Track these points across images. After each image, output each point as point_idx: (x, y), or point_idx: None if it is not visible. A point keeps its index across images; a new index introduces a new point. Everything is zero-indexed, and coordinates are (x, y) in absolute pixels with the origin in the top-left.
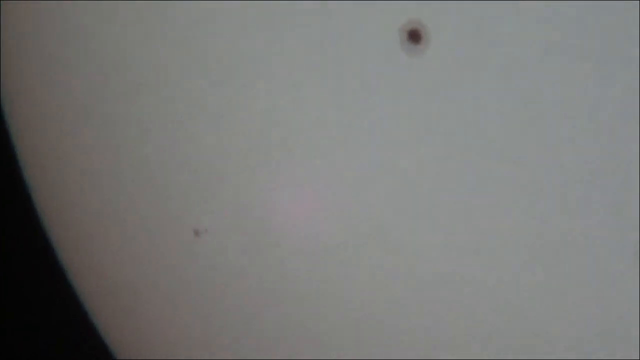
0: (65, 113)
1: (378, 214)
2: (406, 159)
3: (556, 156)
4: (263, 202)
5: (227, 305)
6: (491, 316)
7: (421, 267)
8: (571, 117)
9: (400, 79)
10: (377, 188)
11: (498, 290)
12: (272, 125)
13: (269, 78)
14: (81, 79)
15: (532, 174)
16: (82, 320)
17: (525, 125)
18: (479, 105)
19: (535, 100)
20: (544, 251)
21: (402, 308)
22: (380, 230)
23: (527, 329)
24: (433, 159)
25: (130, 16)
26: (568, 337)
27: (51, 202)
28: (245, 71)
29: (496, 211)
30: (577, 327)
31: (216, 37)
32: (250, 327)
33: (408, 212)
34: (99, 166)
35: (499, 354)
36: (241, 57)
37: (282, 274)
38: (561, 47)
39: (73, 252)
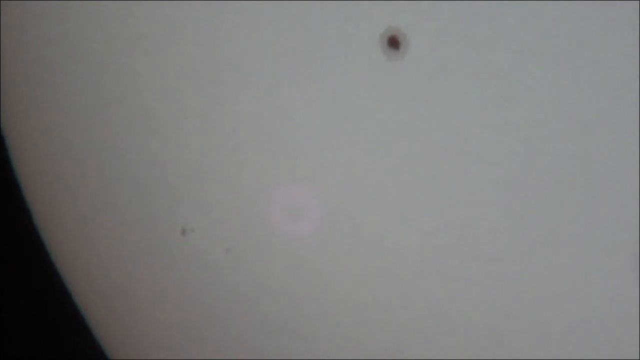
0: (54, 113)
1: (362, 213)
2: (387, 160)
3: (536, 157)
4: (249, 201)
5: (214, 304)
6: (481, 316)
7: (405, 265)
8: (550, 119)
9: (380, 83)
10: (360, 189)
11: (486, 288)
12: (258, 126)
13: (253, 81)
14: (72, 79)
15: (511, 176)
16: (73, 318)
17: (503, 127)
18: (457, 108)
19: (513, 103)
20: (534, 250)
21: (388, 306)
22: (365, 229)
23: (522, 330)
24: (413, 161)
25: (120, 17)
26: (566, 337)
27: (41, 201)
28: (232, 74)
29: (479, 211)
30: (576, 327)
31: (201, 39)
32: (237, 325)
33: (390, 212)
34: (87, 165)
35: (489, 353)
36: (227, 60)
37: (269, 273)
38: (538, 49)
39: (61, 251)
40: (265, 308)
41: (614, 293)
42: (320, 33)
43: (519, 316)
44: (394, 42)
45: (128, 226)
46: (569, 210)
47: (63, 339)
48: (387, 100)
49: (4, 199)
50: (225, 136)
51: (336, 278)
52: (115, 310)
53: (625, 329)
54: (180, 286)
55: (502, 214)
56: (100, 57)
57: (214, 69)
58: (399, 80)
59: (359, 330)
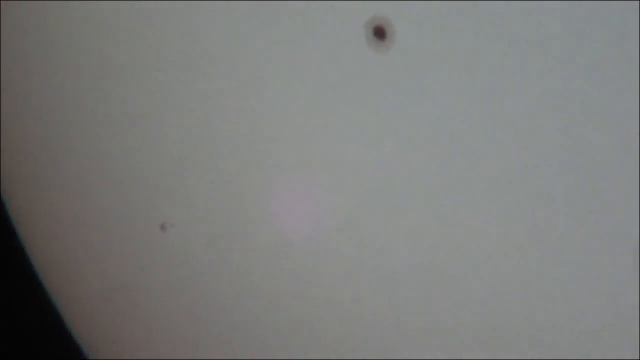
0: (32, 108)
1: (345, 208)
2: (373, 154)
3: (531, 151)
4: (229, 196)
5: (193, 300)
6: (475, 315)
7: (393, 261)
8: (546, 112)
9: (366, 75)
10: (345, 183)
11: (480, 287)
12: (239, 120)
13: (236, 74)
14: (49, 74)
15: (506, 170)
16: (50, 317)
17: (495, 120)
18: (446, 101)
19: (505, 94)
20: (528, 248)
21: (370, 302)
22: (348, 224)
23: (519, 329)
24: (400, 155)
25: (103, 10)
26: (565, 337)
27: (18, 199)
28: (212, 66)
29: (472, 207)
30: (576, 327)
31: (180, 31)
32: (216, 321)
33: (377, 207)
34: (64, 162)
35: (484, 353)
36: (208, 53)
37: (249, 269)
38: (525, 41)
39: (39, 249)
40: (247, 305)
41: (614, 292)
42: (302, 23)
43: (515, 316)
44: (379, 32)
45: (106, 221)
46: (565, 207)
47: (40, 338)
48: (373, 93)
49: None
50: (207, 130)
51: (320, 274)
52: (92, 309)
53: (626, 329)
54: (160, 283)
55: (496, 210)
56: (79, 50)
57: (195, 62)
58: (385, 71)
59: (344, 327)
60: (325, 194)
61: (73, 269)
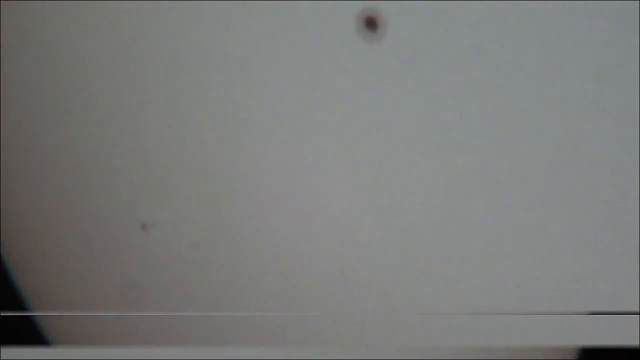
0: (10, 105)
1: (334, 205)
2: (362, 149)
3: (527, 146)
4: (212, 194)
5: (175, 300)
6: (475, 315)
7: (384, 260)
8: (529, 105)
9: (358, 66)
10: (332, 178)
11: (474, 285)
12: (223, 115)
13: (221, 69)
14: (26, 68)
15: (492, 162)
16: (26, 321)
17: (485, 110)
18: (440, 94)
19: (500, 86)
20: (523, 245)
21: (364, 301)
22: (338, 222)
23: (517, 329)
24: (393, 147)
25: (90, 15)
26: (565, 336)
27: None
28: (196, 63)
29: (459, 202)
30: (575, 327)
31: (168, 30)
32: (199, 322)
33: (367, 204)
34: (44, 160)
35: (478, 353)
36: (191, 44)
37: (231, 268)
38: (521, 34)
39: (16, 247)
40: (228, 305)
41: (614, 292)
42: (291, 15)
43: (513, 316)
44: (371, 23)
45: (85, 220)
46: (564, 205)
47: (15, 341)
48: (364, 86)
49: None
50: (189, 126)
51: (307, 273)
52: (71, 307)
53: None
54: (140, 282)
55: (492, 208)
56: (55, 43)
57: (178, 59)
58: (377, 64)
59: (335, 327)
60: (313, 191)
61: (50, 268)
